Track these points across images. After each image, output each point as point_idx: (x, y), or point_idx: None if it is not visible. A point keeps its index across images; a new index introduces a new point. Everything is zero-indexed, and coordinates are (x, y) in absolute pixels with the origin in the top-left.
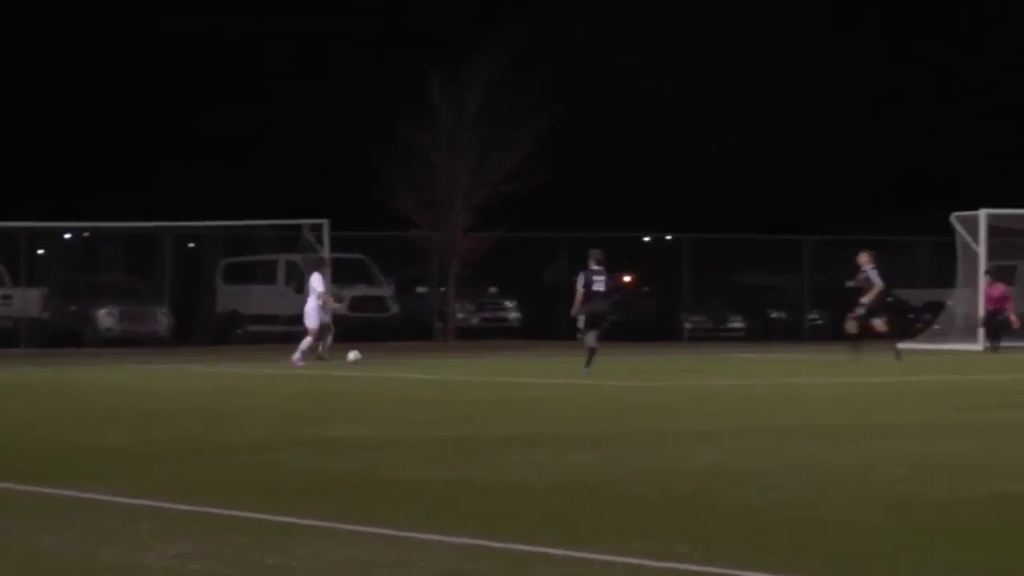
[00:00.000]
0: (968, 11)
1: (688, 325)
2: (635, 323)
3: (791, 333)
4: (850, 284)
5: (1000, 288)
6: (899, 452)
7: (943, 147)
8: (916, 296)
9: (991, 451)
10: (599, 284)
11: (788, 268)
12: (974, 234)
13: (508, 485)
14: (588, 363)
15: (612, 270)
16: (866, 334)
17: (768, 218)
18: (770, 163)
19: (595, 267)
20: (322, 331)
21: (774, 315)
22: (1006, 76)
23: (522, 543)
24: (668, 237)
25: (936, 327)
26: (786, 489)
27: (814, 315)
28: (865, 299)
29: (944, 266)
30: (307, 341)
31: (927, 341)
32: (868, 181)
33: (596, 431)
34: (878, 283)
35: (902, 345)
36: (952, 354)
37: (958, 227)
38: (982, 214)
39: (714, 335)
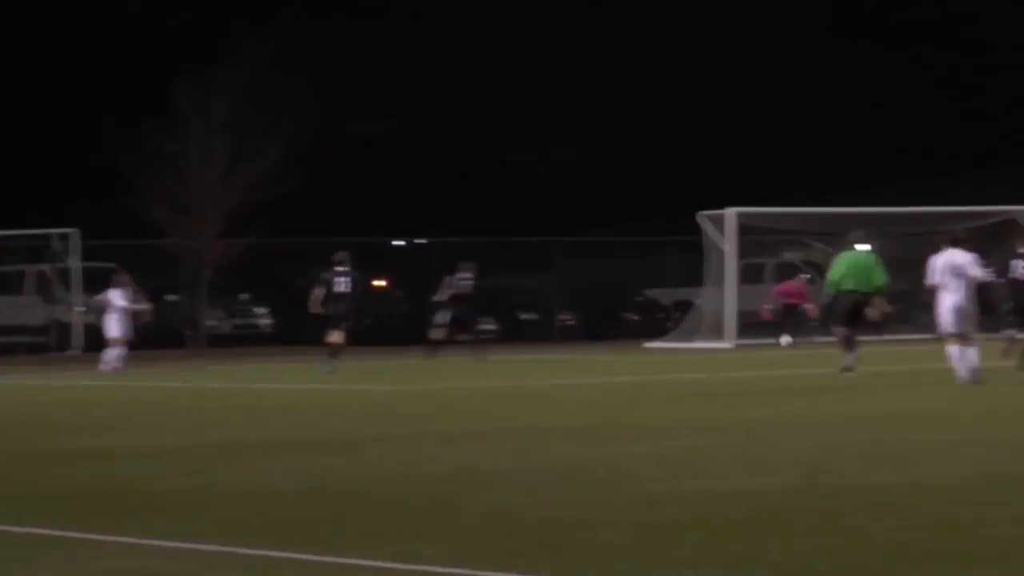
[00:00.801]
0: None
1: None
2: (388, 327)
3: (542, 334)
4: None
5: (794, 283)
6: (646, 450)
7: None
8: (666, 295)
9: (737, 447)
10: (342, 285)
11: (538, 270)
12: (721, 233)
13: (258, 491)
14: (329, 359)
15: (364, 274)
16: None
17: (518, 221)
18: (519, 167)
19: (339, 268)
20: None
21: (525, 316)
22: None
23: (272, 549)
24: (421, 241)
25: (685, 325)
26: (534, 489)
27: (565, 316)
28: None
29: (693, 265)
30: (115, 351)
31: (676, 340)
32: (615, 183)
33: (347, 435)
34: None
35: (652, 344)
36: (701, 352)
37: (705, 226)
38: (729, 213)
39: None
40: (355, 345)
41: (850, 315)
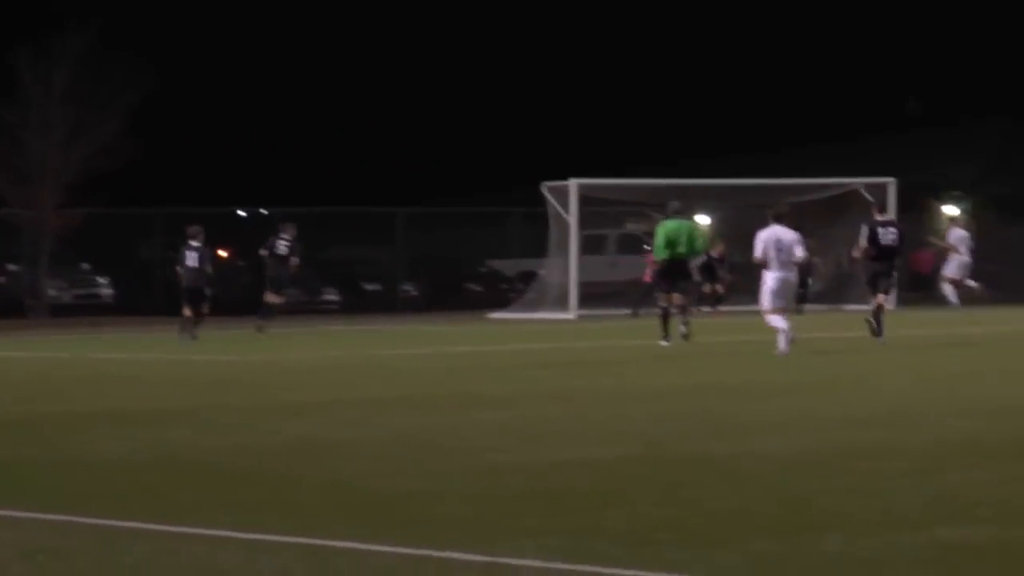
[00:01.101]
0: None
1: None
2: (231, 297)
3: (386, 305)
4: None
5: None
6: (489, 420)
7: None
8: (509, 266)
9: (578, 418)
10: (191, 259)
11: (382, 241)
12: (565, 204)
13: (101, 462)
14: (188, 328)
15: (211, 245)
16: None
17: (361, 190)
18: (359, 137)
19: (192, 243)
20: None
21: (368, 287)
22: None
23: (114, 519)
24: (264, 212)
25: (529, 296)
26: (375, 460)
27: (408, 287)
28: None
29: (536, 236)
30: None
31: (520, 310)
32: (458, 153)
33: (190, 406)
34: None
35: (496, 315)
36: (545, 323)
37: (549, 197)
38: (572, 184)
39: (308, 308)
40: (199, 316)
41: (670, 281)
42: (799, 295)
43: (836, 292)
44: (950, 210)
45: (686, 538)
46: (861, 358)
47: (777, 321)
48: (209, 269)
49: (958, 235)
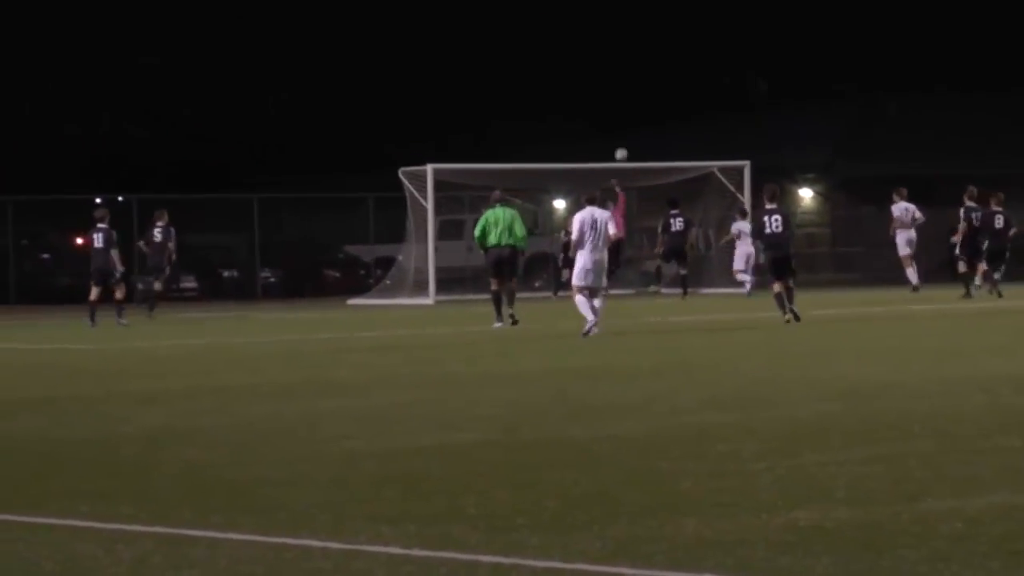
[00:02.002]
0: None
1: (140, 286)
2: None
3: (244, 292)
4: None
5: None
6: (343, 407)
7: (389, 99)
8: (367, 252)
9: (434, 403)
10: (98, 241)
11: (239, 227)
12: (422, 189)
13: None
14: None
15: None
16: None
17: (217, 176)
18: (213, 121)
19: (99, 225)
20: None
21: (226, 274)
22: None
23: None
24: (120, 199)
25: (387, 282)
26: (231, 448)
27: (267, 273)
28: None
29: (394, 221)
30: None
31: (378, 296)
32: (316, 137)
33: (42, 395)
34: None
35: (355, 301)
36: (403, 309)
37: (406, 182)
38: (429, 168)
39: (166, 295)
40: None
41: (498, 268)
42: (609, 272)
43: (694, 275)
44: (805, 192)
45: (544, 523)
46: (716, 340)
47: (582, 303)
48: (115, 251)
49: (740, 226)
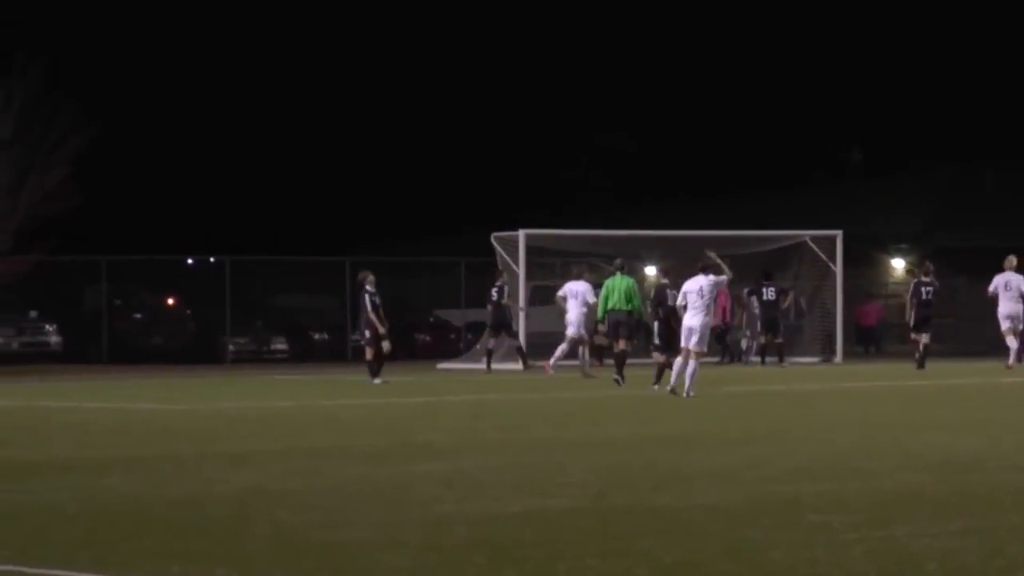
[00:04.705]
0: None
1: (231, 348)
2: (179, 346)
3: (335, 354)
4: None
5: None
6: (434, 471)
7: (479, 166)
8: (458, 316)
9: (525, 468)
10: None
11: (330, 289)
12: (513, 254)
13: (43, 510)
14: None
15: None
16: None
17: (308, 238)
18: (307, 184)
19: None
20: None
21: (317, 336)
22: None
23: (57, 568)
24: (211, 259)
25: (477, 347)
26: (322, 510)
27: (357, 336)
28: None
29: (485, 287)
30: None
31: (469, 361)
32: (406, 201)
33: (134, 455)
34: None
35: (445, 365)
36: (495, 373)
37: (498, 247)
38: (521, 234)
39: (258, 357)
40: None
41: (615, 330)
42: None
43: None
44: (897, 262)
45: None
46: (808, 409)
47: (678, 362)
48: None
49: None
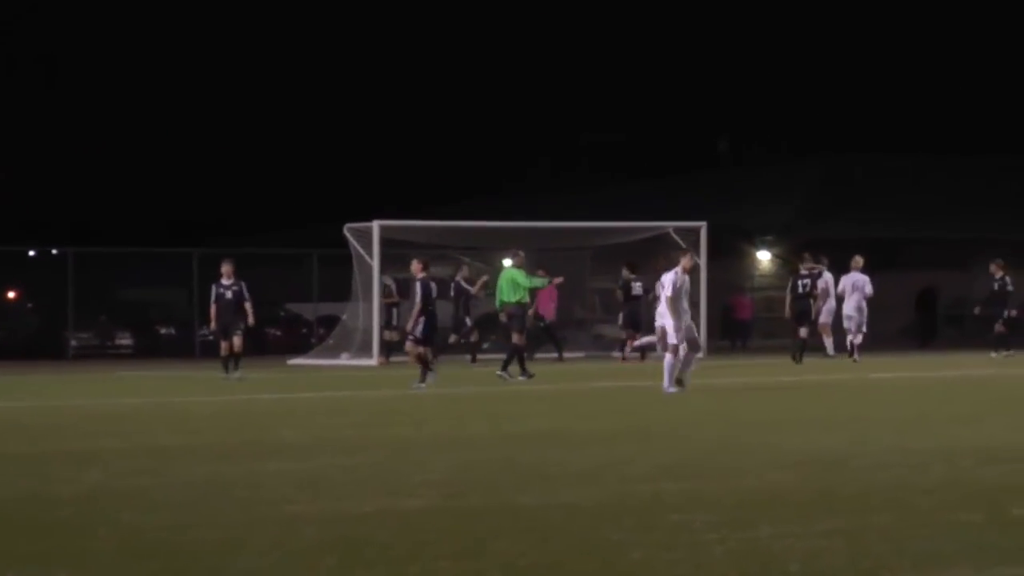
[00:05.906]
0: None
1: (74, 343)
2: (18, 340)
3: (182, 349)
4: None
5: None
6: (285, 470)
7: (333, 159)
8: (309, 310)
9: (379, 467)
10: None
11: (177, 282)
12: (367, 246)
13: None
14: None
15: None
16: None
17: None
18: (158, 174)
19: None
20: None
21: (163, 331)
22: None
23: None
24: (53, 251)
25: (330, 341)
26: (169, 510)
27: (205, 331)
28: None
29: (337, 279)
30: None
31: (320, 356)
32: (259, 192)
33: None
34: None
35: (296, 360)
36: (345, 369)
37: (352, 239)
38: (375, 225)
39: (102, 352)
40: None
41: (508, 325)
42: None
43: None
44: (763, 255)
45: None
46: (671, 406)
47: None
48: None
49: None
